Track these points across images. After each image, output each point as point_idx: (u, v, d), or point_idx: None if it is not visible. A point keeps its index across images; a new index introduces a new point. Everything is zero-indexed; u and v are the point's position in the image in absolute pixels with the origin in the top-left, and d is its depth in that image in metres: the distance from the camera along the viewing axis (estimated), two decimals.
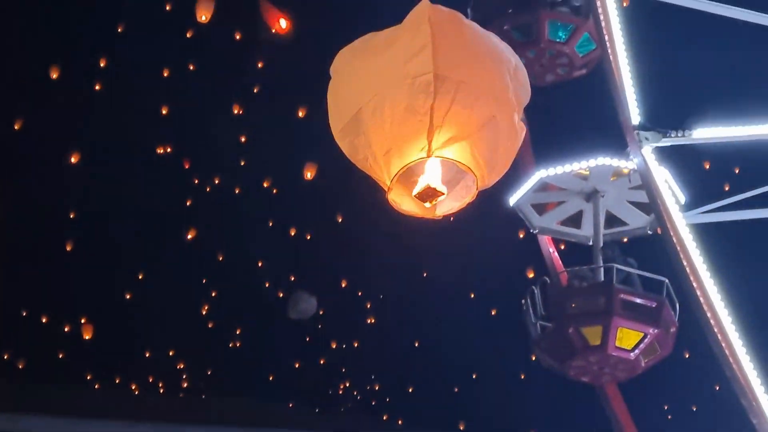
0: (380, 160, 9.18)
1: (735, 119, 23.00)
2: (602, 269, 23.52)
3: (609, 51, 22.54)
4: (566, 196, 24.84)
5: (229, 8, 37.08)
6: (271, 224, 44.19)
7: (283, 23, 33.80)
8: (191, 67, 41.95)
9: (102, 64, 40.46)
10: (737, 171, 31.98)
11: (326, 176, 38.41)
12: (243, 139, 42.57)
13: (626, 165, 22.97)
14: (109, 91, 40.87)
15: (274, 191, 43.21)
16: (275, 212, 43.61)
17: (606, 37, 22.63)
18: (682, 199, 23.36)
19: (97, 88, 40.86)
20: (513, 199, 24.75)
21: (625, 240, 25.30)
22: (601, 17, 22.89)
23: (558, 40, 25.42)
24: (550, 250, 25.41)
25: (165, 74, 41.01)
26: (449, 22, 9.47)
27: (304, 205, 41.87)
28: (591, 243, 24.68)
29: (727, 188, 28.23)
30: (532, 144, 25.86)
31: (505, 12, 25.58)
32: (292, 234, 43.49)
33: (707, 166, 30.82)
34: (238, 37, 40.66)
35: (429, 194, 9.27)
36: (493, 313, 40.59)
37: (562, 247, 26.18)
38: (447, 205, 9.45)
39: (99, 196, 41.23)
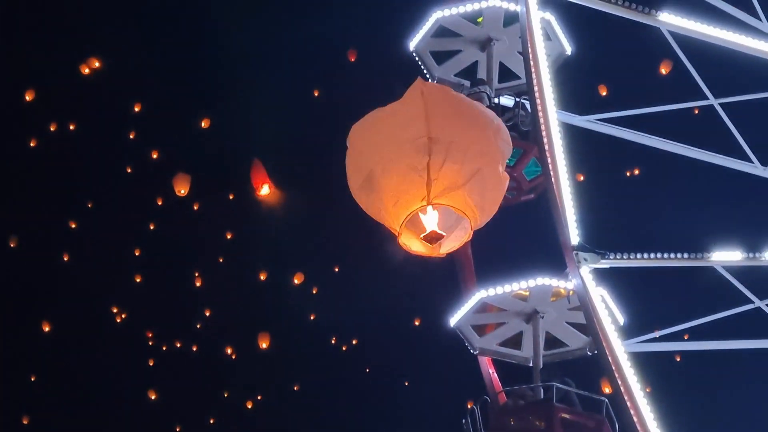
0: (390, 210, 11.28)
1: (674, 244, 23.60)
2: (542, 388, 23.57)
3: (551, 173, 23.01)
4: (507, 317, 24.95)
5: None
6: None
7: (266, 189, 34.77)
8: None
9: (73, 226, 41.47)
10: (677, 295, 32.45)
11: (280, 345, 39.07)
12: (207, 313, 43.32)
13: (566, 286, 23.13)
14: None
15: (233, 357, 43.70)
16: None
17: (548, 160, 23.11)
18: (621, 320, 23.62)
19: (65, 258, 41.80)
20: (454, 320, 24.82)
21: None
22: (545, 141, 23.40)
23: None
24: (489, 371, 25.44)
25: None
26: (439, 93, 11.89)
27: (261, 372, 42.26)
28: (531, 364, 24.71)
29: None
30: (475, 265, 26.18)
31: None
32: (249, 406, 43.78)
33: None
34: (196, 207, 41.33)
35: (433, 237, 11.38)
36: None
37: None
38: (448, 245, 11.60)
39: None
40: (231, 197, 44.62)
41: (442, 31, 27.39)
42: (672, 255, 23.29)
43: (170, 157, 43.54)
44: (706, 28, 26.83)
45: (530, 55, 24.62)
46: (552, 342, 25.17)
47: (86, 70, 42.46)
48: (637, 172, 35.39)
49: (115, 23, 43.50)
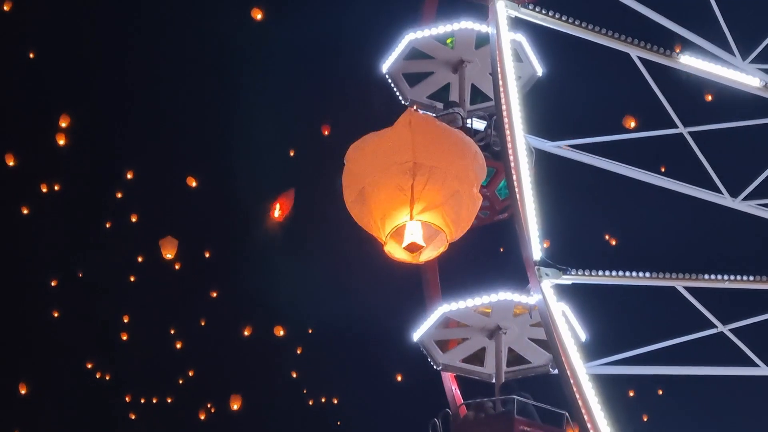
0: (378, 223, 13.16)
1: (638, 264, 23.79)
2: (502, 401, 23.72)
3: (516, 190, 23.23)
4: (470, 332, 25.08)
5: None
6: None
7: (277, 212, 35.28)
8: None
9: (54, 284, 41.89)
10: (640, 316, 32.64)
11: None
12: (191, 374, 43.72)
13: (528, 301, 23.25)
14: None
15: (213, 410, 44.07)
16: None
17: (514, 176, 23.32)
18: (582, 336, 23.82)
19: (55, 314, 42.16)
20: (417, 335, 24.95)
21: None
22: (511, 159, 23.63)
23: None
24: (453, 388, 25.54)
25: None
26: (425, 123, 13.92)
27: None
28: (494, 381, 24.83)
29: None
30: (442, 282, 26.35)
31: None
32: None
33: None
34: (177, 267, 41.69)
35: (413, 248, 13.30)
36: None
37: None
38: (427, 254, 13.62)
39: None
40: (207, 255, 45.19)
41: (414, 53, 27.67)
42: (634, 273, 23.45)
43: (152, 216, 44.07)
44: (677, 57, 27.03)
45: (499, 76, 24.86)
46: (516, 359, 25.31)
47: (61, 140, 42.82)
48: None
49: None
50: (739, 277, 24.47)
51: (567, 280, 22.63)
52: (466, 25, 26.71)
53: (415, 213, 13.05)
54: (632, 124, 36.25)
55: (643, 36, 26.99)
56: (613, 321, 29.48)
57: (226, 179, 45.15)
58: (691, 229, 32.75)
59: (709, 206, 28.68)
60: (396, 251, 13.56)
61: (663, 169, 28.84)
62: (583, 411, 21.10)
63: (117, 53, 45.24)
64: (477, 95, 27.99)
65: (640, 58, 27.08)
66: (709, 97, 29.83)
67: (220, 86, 45.58)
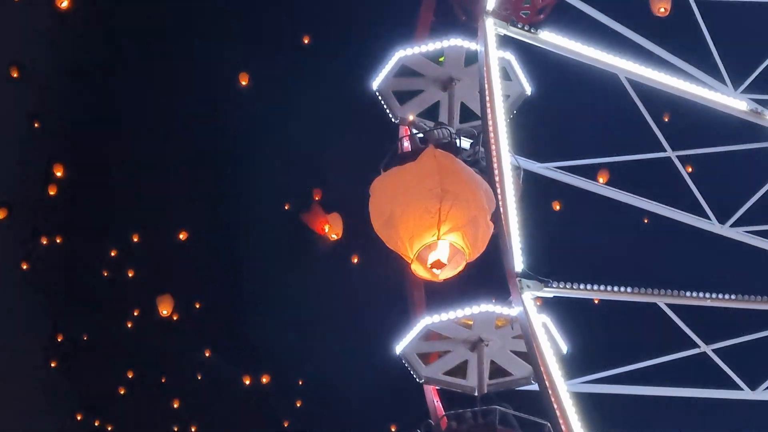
0: (406, 243, 14.80)
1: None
2: (483, 411, 23.83)
3: (500, 204, 23.35)
4: (452, 345, 25.18)
5: None
6: None
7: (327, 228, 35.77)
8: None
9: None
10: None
11: None
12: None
13: (509, 313, 23.35)
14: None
15: None
16: None
17: (498, 188, 23.48)
18: (564, 348, 23.91)
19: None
20: (399, 348, 25.05)
21: None
22: (495, 172, 23.83)
23: None
24: (435, 401, 25.62)
25: None
26: (446, 158, 16.02)
27: None
28: (476, 393, 24.92)
29: None
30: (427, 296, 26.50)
31: None
32: None
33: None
34: (164, 312, 42.08)
35: (437, 265, 15.14)
36: None
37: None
38: (446, 273, 15.57)
39: None
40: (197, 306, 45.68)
41: (404, 71, 27.90)
42: (615, 288, 23.58)
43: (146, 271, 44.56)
44: (664, 77, 27.28)
45: (486, 93, 25.07)
46: (499, 371, 25.41)
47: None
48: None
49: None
50: (721, 296, 24.54)
51: (548, 292, 22.77)
52: (456, 42, 26.91)
53: (441, 233, 14.71)
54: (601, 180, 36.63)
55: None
56: (596, 338, 29.62)
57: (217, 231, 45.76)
58: (677, 250, 32.94)
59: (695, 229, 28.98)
60: (420, 270, 15.40)
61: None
62: (562, 425, 21.20)
63: (113, 104, 45.88)
64: (467, 113, 28.08)
65: (628, 80, 27.43)
66: (666, 118, 29.85)
67: (214, 139, 46.14)
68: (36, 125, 43.97)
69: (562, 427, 21.14)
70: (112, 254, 45.55)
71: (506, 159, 24.14)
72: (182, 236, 45.11)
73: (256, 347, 44.96)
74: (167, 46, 45.04)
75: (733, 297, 24.66)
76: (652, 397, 26.99)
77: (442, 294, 25.40)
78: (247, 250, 45.87)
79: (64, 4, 39.32)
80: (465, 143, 27.33)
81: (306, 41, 44.09)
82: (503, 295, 23.13)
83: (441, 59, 27.50)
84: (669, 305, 25.13)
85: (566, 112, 33.41)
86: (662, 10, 30.64)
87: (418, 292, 26.18)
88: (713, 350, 26.80)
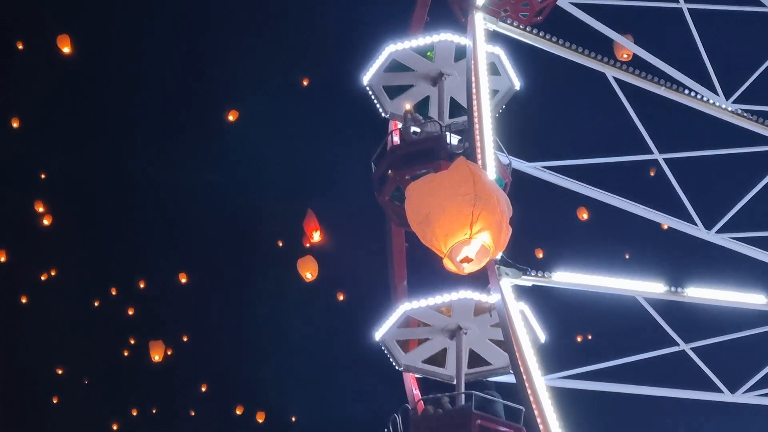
0: (441, 240, 16.70)
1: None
2: (462, 396, 23.92)
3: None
4: (431, 332, 25.25)
5: None
6: None
7: (317, 236, 36.02)
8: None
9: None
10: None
11: None
12: None
13: (488, 301, 23.43)
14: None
15: None
16: None
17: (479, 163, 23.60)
18: (542, 337, 23.97)
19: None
20: (378, 334, 25.13)
21: None
22: (478, 150, 24.00)
23: None
24: (413, 389, 25.68)
25: None
26: (477, 168, 17.98)
27: None
28: (455, 382, 24.99)
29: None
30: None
31: (406, 163, 26.59)
32: None
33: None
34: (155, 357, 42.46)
35: (467, 260, 17.10)
36: None
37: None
38: (471, 267, 17.48)
39: None
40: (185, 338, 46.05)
41: (394, 66, 28.12)
42: (594, 278, 23.70)
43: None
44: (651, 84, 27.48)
45: (473, 86, 25.21)
46: (479, 361, 25.52)
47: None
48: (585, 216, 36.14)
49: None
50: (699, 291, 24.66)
51: (527, 281, 22.81)
52: (446, 37, 27.11)
53: (473, 232, 16.61)
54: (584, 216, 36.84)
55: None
56: (576, 332, 29.72)
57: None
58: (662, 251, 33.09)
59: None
60: (450, 264, 17.30)
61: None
62: (536, 414, 21.18)
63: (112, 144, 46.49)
64: (458, 108, 28.22)
65: (617, 80, 27.63)
66: None
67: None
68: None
69: (538, 420, 21.09)
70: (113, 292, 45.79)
71: (490, 149, 24.24)
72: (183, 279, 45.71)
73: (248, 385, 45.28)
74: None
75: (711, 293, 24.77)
76: (631, 395, 27.04)
77: (425, 283, 25.58)
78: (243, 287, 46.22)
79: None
80: (454, 139, 27.53)
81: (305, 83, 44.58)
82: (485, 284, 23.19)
83: (430, 54, 27.71)
84: (649, 302, 25.25)
85: (556, 110, 33.57)
86: (625, 56, 31.78)
87: (401, 281, 26.27)
88: (693, 349, 26.94)
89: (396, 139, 27.80)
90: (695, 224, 28.95)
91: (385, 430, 24.31)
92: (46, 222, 43.18)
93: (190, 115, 45.96)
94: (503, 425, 23.32)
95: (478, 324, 24.74)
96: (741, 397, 27.66)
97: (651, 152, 28.73)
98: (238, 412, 45.27)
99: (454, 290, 23.93)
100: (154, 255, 46.23)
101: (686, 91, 27.95)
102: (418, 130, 27.43)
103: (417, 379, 26.10)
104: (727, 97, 29.01)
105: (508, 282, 22.34)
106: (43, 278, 45.37)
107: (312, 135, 44.99)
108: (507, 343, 22.04)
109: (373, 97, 28.62)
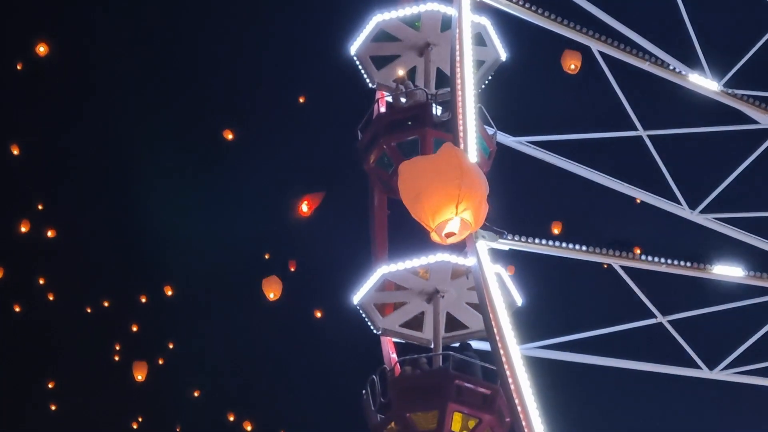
0: (430, 216, 18.20)
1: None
2: (440, 357, 24.06)
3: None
4: (409, 296, 25.41)
5: None
6: None
7: (305, 207, 36.18)
8: None
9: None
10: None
11: None
12: None
13: (465, 263, 23.53)
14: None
15: None
16: None
17: (461, 145, 23.73)
18: (519, 300, 24.09)
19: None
20: (357, 297, 25.30)
21: None
22: (460, 128, 24.09)
23: None
24: (390, 354, 25.80)
25: None
26: (461, 153, 19.85)
27: None
28: (432, 346, 25.13)
29: None
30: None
31: (392, 130, 26.79)
32: None
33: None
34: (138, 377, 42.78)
35: (450, 235, 18.51)
36: None
37: None
38: (453, 239, 18.67)
39: None
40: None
41: (381, 36, 28.30)
42: (570, 246, 23.75)
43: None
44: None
45: (456, 55, 25.24)
46: (456, 325, 25.65)
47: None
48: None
49: None
50: (676, 263, 24.75)
51: (503, 245, 22.76)
52: (432, 6, 27.30)
53: (459, 211, 18.08)
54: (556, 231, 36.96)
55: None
56: (553, 301, 29.80)
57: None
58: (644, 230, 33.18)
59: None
60: (436, 237, 18.54)
61: None
62: (510, 382, 21.13)
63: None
64: (444, 79, 28.33)
65: (601, 54, 27.73)
66: None
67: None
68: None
69: (511, 387, 21.03)
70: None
71: (471, 116, 24.26)
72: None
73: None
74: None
75: (688, 265, 24.86)
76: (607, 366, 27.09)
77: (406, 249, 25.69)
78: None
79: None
80: (438, 110, 27.71)
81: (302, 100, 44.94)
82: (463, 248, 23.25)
83: (417, 24, 27.89)
84: (626, 271, 25.30)
85: (540, 84, 33.70)
86: (572, 66, 31.83)
87: (383, 248, 26.41)
88: (670, 322, 26.98)
89: (382, 108, 28.04)
90: (679, 203, 29.03)
91: (363, 391, 24.57)
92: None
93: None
94: (481, 385, 23.54)
95: (455, 287, 24.92)
96: (719, 374, 27.68)
97: (636, 129, 28.82)
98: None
99: (431, 253, 24.09)
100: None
101: (671, 67, 28.06)
102: (404, 100, 27.70)
103: (394, 344, 26.21)
104: (716, 78, 29.02)
105: (484, 245, 22.35)
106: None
107: None
108: (482, 307, 22.04)
109: (360, 67, 28.81)
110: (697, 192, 29.01)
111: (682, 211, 29.09)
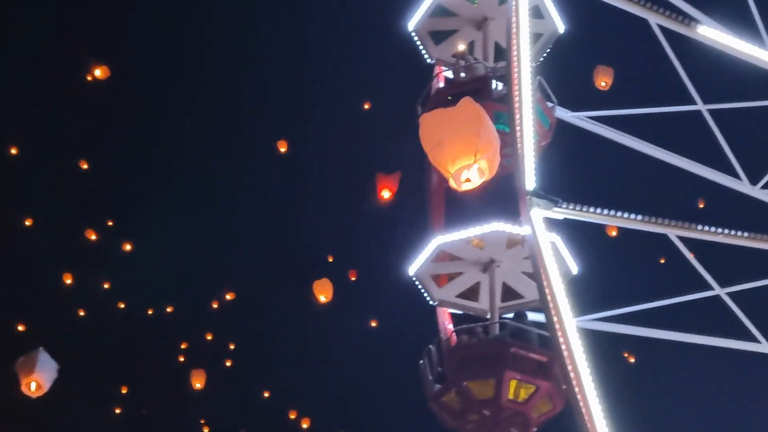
0: (449, 163, 19.12)
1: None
2: (496, 325, 24.12)
3: (516, 126, 23.67)
4: (464, 266, 25.47)
5: None
6: None
7: (386, 194, 36.50)
8: None
9: None
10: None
11: None
12: None
13: (520, 233, 23.50)
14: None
15: None
16: None
17: (516, 114, 23.79)
18: (574, 269, 24.05)
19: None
20: (412, 269, 25.41)
21: None
22: (514, 74, 24.09)
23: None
24: (447, 324, 25.89)
25: None
26: (481, 110, 19.94)
27: None
28: (488, 316, 25.20)
29: None
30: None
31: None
32: None
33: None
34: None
35: (467, 180, 19.16)
36: None
37: None
38: (469, 185, 19.27)
39: None
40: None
41: (439, 11, 28.40)
42: (626, 215, 23.53)
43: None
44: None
45: (512, 26, 25.21)
46: (511, 295, 25.70)
47: None
48: None
49: None
50: (734, 233, 24.45)
51: (558, 213, 22.63)
52: None
53: (477, 159, 18.84)
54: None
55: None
56: (609, 273, 29.63)
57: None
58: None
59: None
60: (453, 182, 19.22)
61: None
62: (566, 355, 21.15)
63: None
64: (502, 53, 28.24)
65: (660, 27, 27.56)
66: None
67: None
68: None
69: (566, 359, 21.06)
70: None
71: (527, 85, 24.23)
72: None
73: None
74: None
75: (746, 235, 24.55)
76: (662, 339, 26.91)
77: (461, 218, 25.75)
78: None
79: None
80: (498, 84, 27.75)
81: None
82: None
83: None
84: (682, 241, 25.13)
85: (598, 58, 33.55)
86: (603, 84, 32.21)
87: (438, 216, 26.50)
88: (729, 295, 26.77)
89: (441, 83, 28.16)
90: (740, 179, 28.82)
91: (421, 361, 24.73)
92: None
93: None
94: (537, 353, 23.60)
95: (510, 257, 24.96)
96: None
97: (695, 103, 28.66)
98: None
99: (486, 223, 24.17)
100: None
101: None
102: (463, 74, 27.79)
103: (450, 315, 26.31)
104: None
105: (538, 213, 22.36)
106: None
107: None
108: (536, 276, 22.05)
109: (418, 42, 28.93)
110: (758, 167, 28.79)
111: (743, 186, 28.88)
